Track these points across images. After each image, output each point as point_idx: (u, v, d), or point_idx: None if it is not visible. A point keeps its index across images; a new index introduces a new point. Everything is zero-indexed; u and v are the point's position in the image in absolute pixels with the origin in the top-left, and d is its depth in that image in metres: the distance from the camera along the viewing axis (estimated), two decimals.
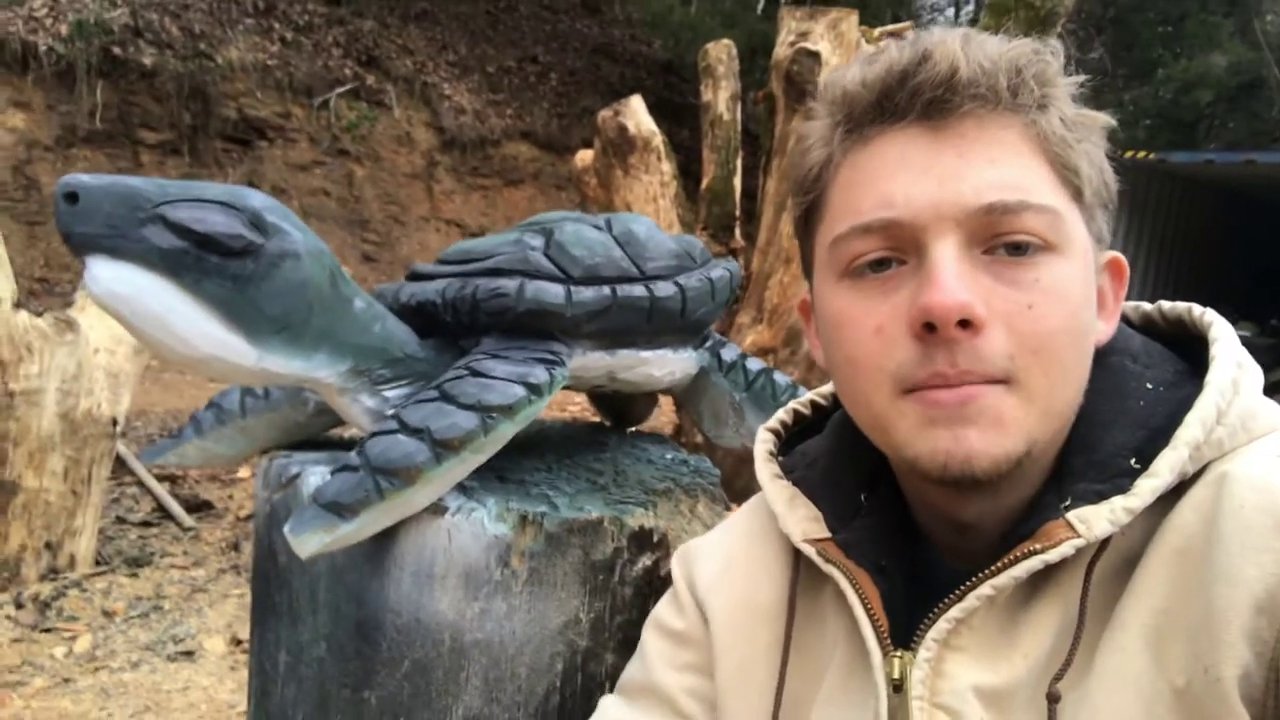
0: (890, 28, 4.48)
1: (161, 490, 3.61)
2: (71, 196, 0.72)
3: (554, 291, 0.91)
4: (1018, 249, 0.60)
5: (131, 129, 9.91)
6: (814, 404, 0.86)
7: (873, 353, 0.63)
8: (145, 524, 3.60)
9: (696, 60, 5.11)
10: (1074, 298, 0.61)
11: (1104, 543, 0.59)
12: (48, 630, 2.85)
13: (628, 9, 14.52)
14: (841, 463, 0.76)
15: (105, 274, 0.73)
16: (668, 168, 4.47)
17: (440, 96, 12.37)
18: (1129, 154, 8.54)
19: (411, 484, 0.77)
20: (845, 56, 4.10)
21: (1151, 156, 8.61)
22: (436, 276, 0.99)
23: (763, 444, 0.83)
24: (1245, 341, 0.69)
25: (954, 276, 0.59)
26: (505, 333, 0.93)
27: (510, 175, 12.73)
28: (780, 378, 1.14)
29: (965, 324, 0.58)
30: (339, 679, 0.86)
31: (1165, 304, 0.72)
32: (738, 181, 4.68)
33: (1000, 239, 0.60)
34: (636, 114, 4.44)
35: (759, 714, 0.72)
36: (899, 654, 0.63)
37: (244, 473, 4.03)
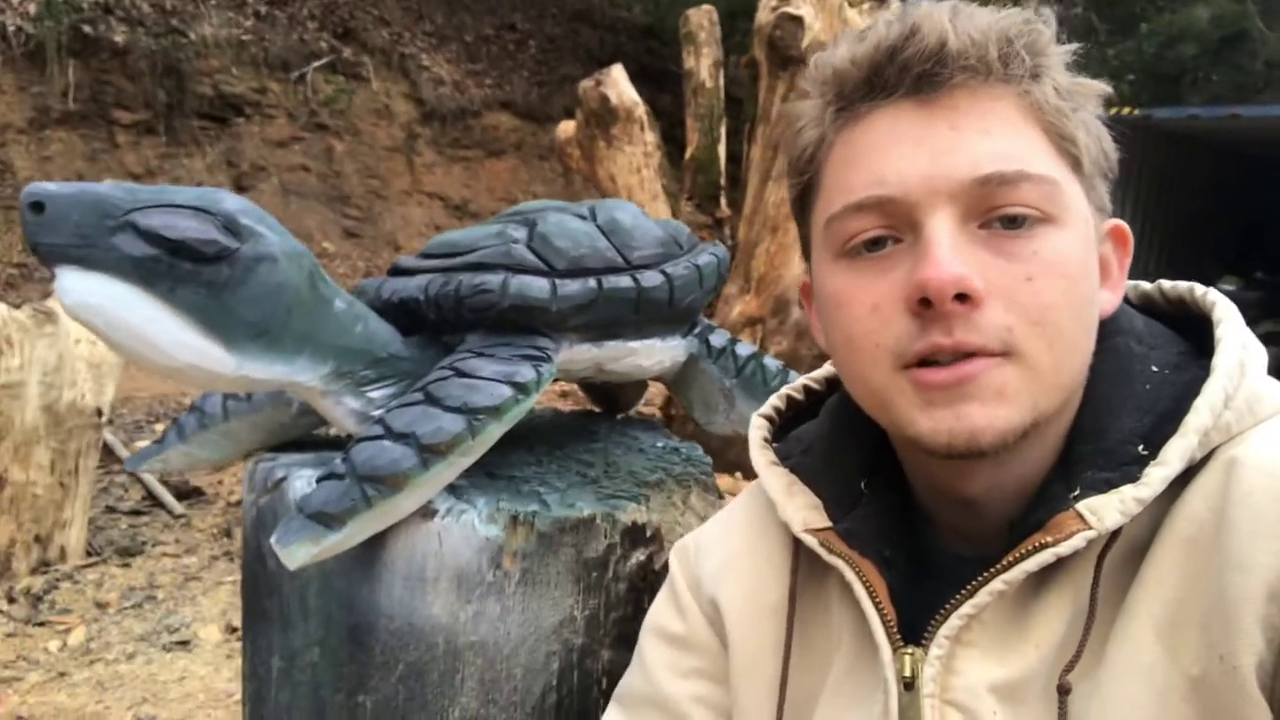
0: None
1: (151, 478, 3.59)
2: (37, 206, 0.70)
3: (539, 286, 0.89)
4: (1014, 222, 0.59)
5: (106, 109, 9.76)
6: (807, 388, 0.84)
7: (870, 330, 0.62)
8: (135, 513, 3.57)
9: (677, 25, 5.04)
10: (1074, 269, 0.60)
11: (1114, 532, 0.58)
12: (41, 624, 2.83)
13: None
14: (839, 448, 0.74)
15: (76, 285, 0.72)
16: (651, 138, 4.43)
17: (418, 67, 12.21)
18: (1114, 111, 8.49)
19: (399, 490, 0.76)
20: (828, 21, 4.05)
21: (1136, 113, 8.58)
22: (419, 271, 0.97)
23: (757, 430, 0.81)
24: (1230, 295, 0.67)
25: (949, 250, 0.58)
26: (490, 329, 0.91)
27: (491, 146, 12.61)
28: (770, 362, 1.13)
29: (963, 298, 0.57)
30: (333, 684, 0.86)
31: (1165, 283, 0.71)
32: (722, 149, 4.64)
33: (996, 212, 0.59)
34: (618, 84, 4.38)
35: (766, 709, 0.72)
36: (909, 650, 0.62)
37: None
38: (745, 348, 1.13)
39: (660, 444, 1.12)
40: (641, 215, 1.03)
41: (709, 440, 1.29)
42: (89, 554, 3.33)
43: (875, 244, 0.62)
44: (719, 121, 4.62)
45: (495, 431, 0.82)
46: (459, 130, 12.26)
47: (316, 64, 11.19)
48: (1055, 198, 0.59)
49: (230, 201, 0.77)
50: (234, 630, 2.69)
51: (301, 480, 0.88)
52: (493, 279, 0.89)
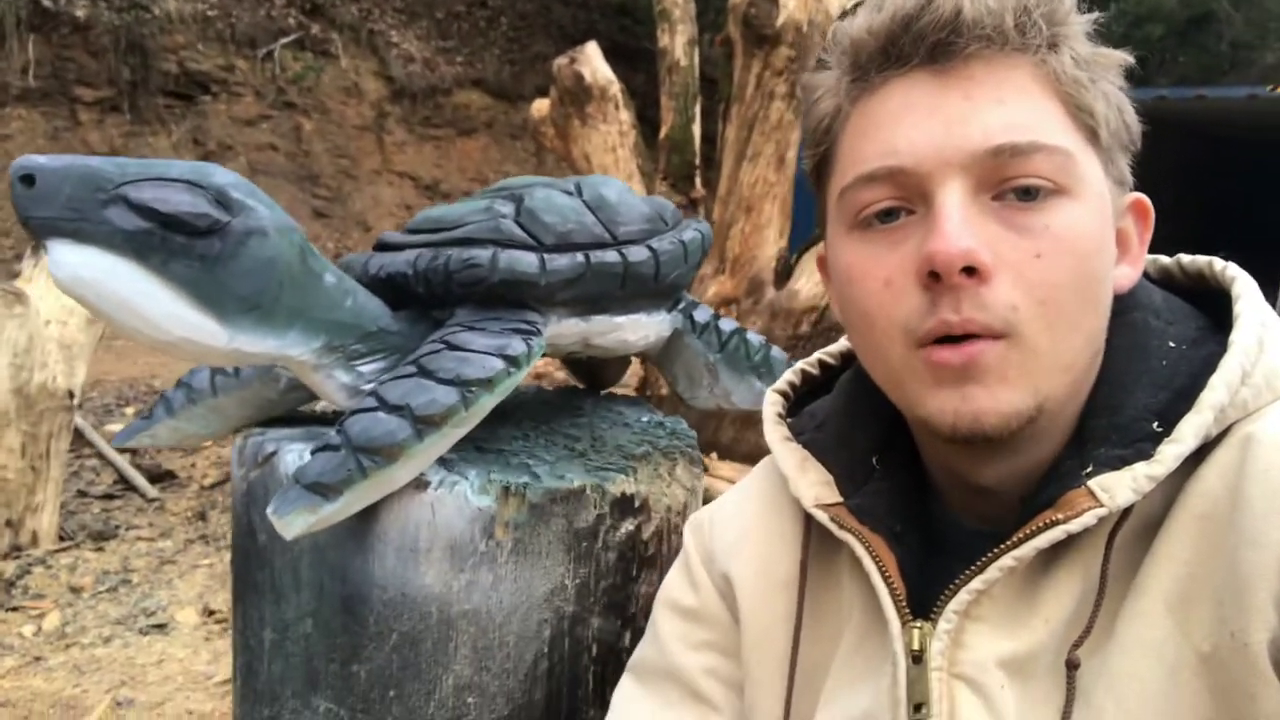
0: None
1: (123, 462, 3.56)
2: (28, 179, 0.70)
3: (528, 260, 0.90)
4: (1027, 194, 0.58)
5: (67, 86, 9.57)
6: (822, 363, 0.85)
7: (884, 305, 0.62)
8: (108, 496, 3.54)
9: (650, 3, 5.02)
10: (1085, 245, 0.59)
11: (1127, 510, 0.58)
12: (14, 609, 2.81)
13: None
14: (852, 424, 0.74)
15: (69, 259, 0.72)
16: (626, 117, 4.42)
17: (388, 44, 12.08)
18: None
19: (394, 461, 0.77)
20: None
21: None
22: (405, 247, 0.98)
23: (771, 406, 0.81)
24: None
25: (959, 223, 0.57)
26: (479, 303, 0.92)
27: (463, 125, 12.51)
28: (753, 337, 1.15)
29: (971, 271, 0.57)
30: (326, 654, 0.87)
31: (1185, 257, 0.71)
32: (697, 129, 4.64)
33: (1009, 183, 0.58)
34: (593, 61, 4.37)
35: (776, 682, 0.72)
36: (918, 624, 0.62)
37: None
38: (728, 323, 1.15)
39: (645, 418, 1.14)
40: (627, 191, 1.04)
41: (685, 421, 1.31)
42: (61, 538, 3.30)
43: (888, 215, 0.62)
44: (694, 101, 4.61)
45: (488, 403, 0.83)
46: (429, 109, 12.15)
47: (284, 41, 11.03)
48: (1069, 169, 0.59)
49: (221, 175, 0.77)
50: (212, 613, 2.68)
51: (292, 454, 0.89)
52: (482, 254, 0.90)
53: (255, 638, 0.93)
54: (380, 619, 0.84)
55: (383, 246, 1.01)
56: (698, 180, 4.63)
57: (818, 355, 0.85)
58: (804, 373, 0.84)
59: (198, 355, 0.79)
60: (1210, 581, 0.55)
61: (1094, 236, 0.60)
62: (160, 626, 2.58)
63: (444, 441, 0.81)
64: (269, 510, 0.75)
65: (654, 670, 0.80)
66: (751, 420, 3.95)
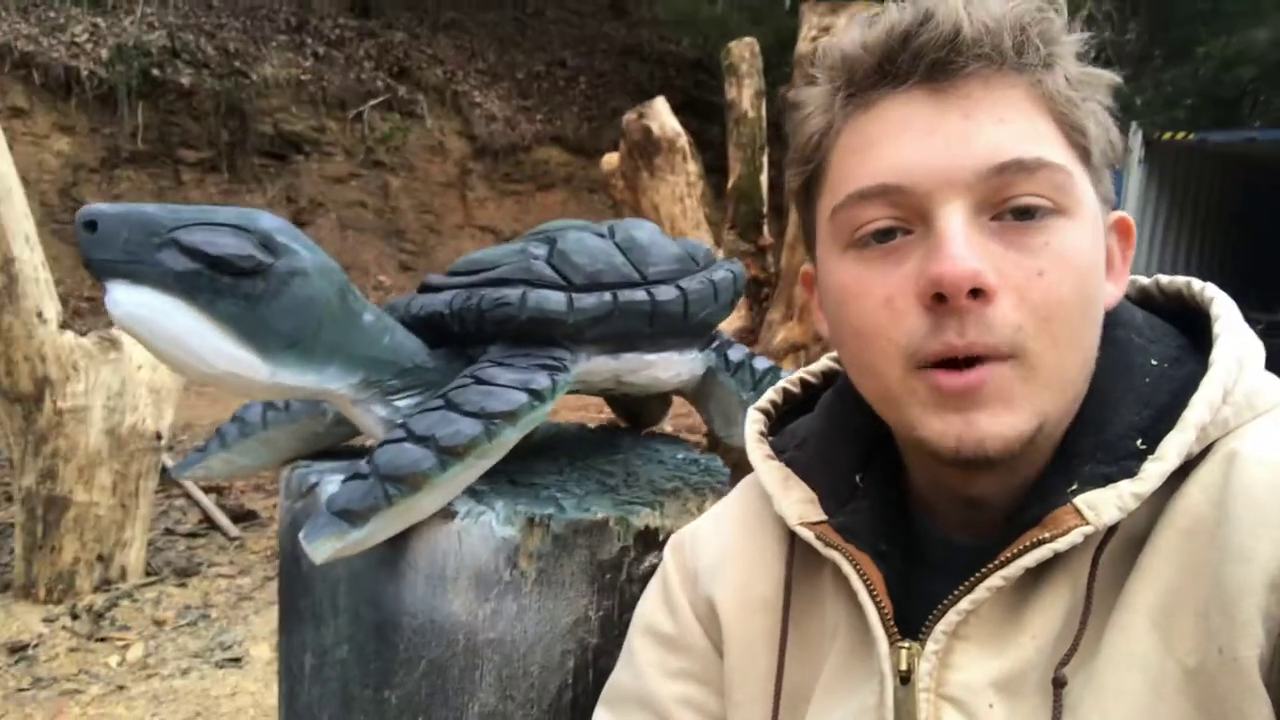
0: None
1: (208, 501, 3.70)
2: (90, 225, 0.77)
3: (555, 299, 0.94)
4: (1026, 213, 0.58)
5: (172, 148, 10.15)
6: (804, 382, 0.84)
7: (882, 325, 0.61)
8: (193, 535, 3.69)
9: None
10: (1084, 263, 0.59)
11: (1112, 527, 0.58)
12: (102, 639, 2.94)
13: (654, 9, 14.55)
14: (835, 442, 0.74)
15: (125, 298, 0.78)
16: (694, 168, 4.49)
17: (471, 105, 12.50)
18: (1167, 136, 8.35)
19: (418, 490, 0.80)
20: None
21: (1191, 137, 8.43)
22: (446, 287, 1.02)
23: (753, 424, 0.81)
24: None
25: (964, 245, 0.57)
26: (510, 340, 0.95)
27: (542, 180, 12.83)
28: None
29: (976, 293, 0.56)
30: (361, 680, 0.90)
31: (1163, 278, 0.71)
32: (764, 179, 4.68)
33: (1009, 203, 0.58)
34: (661, 115, 4.46)
35: (760, 702, 0.72)
36: (905, 644, 0.62)
37: None
38: (763, 362, 1.16)
39: (680, 455, 1.16)
40: (658, 233, 1.07)
41: (729, 455, 1.31)
42: (148, 574, 3.44)
43: (884, 235, 0.61)
44: (761, 151, 4.66)
45: (511, 436, 0.86)
46: (510, 165, 12.50)
47: (373, 102, 11.52)
48: (1069, 189, 0.59)
49: (267, 220, 0.83)
50: None
51: (332, 484, 0.93)
52: (512, 293, 0.93)
53: (297, 663, 0.97)
54: (410, 645, 0.87)
55: (426, 288, 1.06)
56: (765, 228, 4.65)
57: (799, 373, 0.84)
58: (785, 391, 0.84)
59: (242, 388, 0.84)
60: (1194, 596, 0.54)
61: (1091, 254, 0.60)
62: (235, 660, 2.67)
63: (468, 473, 0.84)
64: (300, 535, 0.79)
65: (628, 697, 0.78)
66: None
